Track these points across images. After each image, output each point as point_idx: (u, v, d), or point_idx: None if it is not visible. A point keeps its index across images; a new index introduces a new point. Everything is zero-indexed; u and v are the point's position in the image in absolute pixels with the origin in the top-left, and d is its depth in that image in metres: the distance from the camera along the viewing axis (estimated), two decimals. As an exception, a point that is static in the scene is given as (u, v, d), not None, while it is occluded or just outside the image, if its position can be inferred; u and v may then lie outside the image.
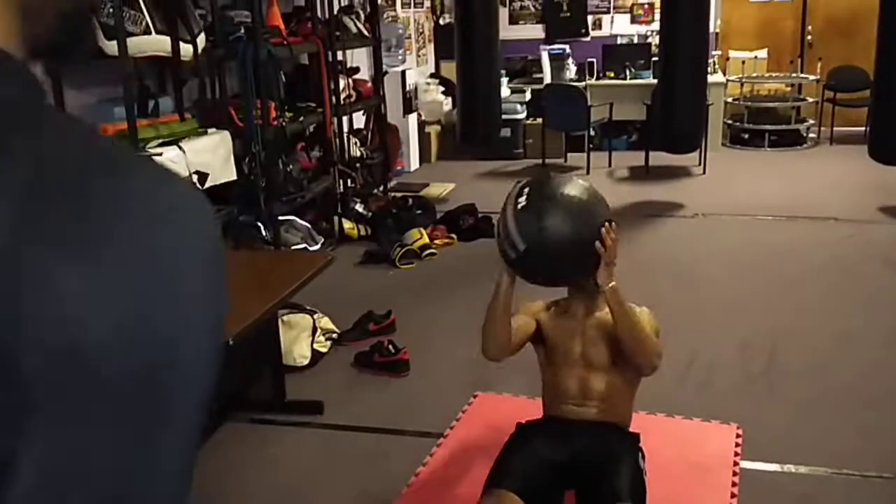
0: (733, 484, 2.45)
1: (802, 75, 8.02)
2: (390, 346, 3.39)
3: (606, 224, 2.00)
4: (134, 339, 0.38)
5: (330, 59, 5.01)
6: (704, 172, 6.81)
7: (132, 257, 0.38)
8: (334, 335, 3.63)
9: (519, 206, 2.01)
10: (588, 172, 7.06)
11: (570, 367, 2.17)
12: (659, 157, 6.71)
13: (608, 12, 8.61)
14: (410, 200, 5.47)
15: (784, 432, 2.80)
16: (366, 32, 5.64)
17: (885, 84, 5.27)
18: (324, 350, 3.53)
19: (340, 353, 3.55)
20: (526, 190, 2.04)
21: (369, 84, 5.85)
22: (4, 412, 0.35)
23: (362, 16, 5.75)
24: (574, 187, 2.06)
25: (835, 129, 7.84)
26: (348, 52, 5.74)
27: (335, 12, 5.32)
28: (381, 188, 6.09)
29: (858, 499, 2.45)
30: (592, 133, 7.36)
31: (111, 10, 3.15)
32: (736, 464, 2.56)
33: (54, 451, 0.37)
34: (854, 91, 7.53)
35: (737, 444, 2.67)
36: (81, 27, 0.48)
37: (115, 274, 0.37)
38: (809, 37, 8.29)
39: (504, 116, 6.99)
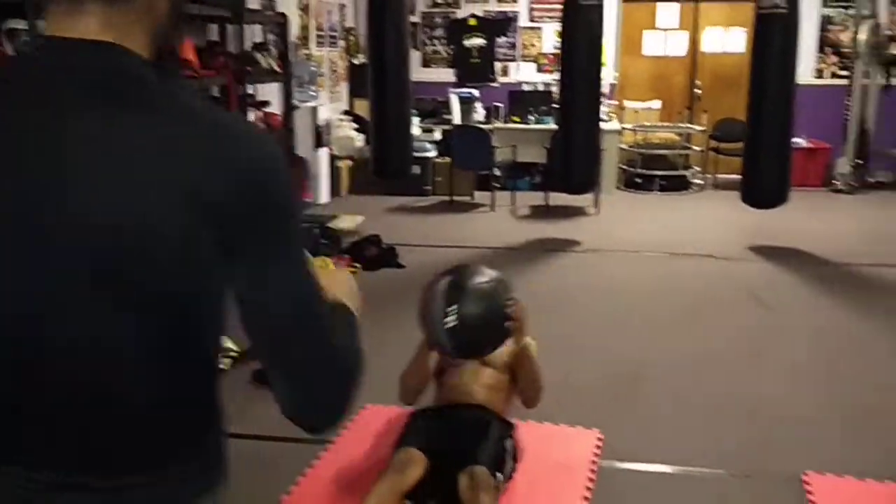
0: (590, 479, 2.73)
1: (691, 125, 8.66)
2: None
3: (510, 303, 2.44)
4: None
5: (240, 92, 5.21)
6: (598, 213, 7.27)
7: None
8: (234, 354, 3.78)
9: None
10: (493, 209, 7.43)
11: (458, 385, 2.70)
12: (559, 198, 7.13)
13: (515, 60, 9.12)
14: (316, 230, 5.66)
15: (640, 436, 3.11)
16: (277, 69, 5.87)
17: (754, 136, 5.84)
18: (224, 368, 3.67)
19: (240, 371, 3.70)
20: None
21: (279, 117, 6.07)
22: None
23: (275, 52, 5.98)
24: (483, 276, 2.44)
25: (718, 175, 8.48)
26: (259, 86, 5.95)
27: (248, 48, 5.54)
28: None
29: (699, 490, 2.77)
30: (498, 173, 7.75)
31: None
32: (595, 463, 2.85)
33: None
34: (735, 141, 8.09)
35: (597, 447, 2.96)
36: (166, 56, 0.91)
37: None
38: (698, 90, 8.98)
39: (415, 154, 7.31)
